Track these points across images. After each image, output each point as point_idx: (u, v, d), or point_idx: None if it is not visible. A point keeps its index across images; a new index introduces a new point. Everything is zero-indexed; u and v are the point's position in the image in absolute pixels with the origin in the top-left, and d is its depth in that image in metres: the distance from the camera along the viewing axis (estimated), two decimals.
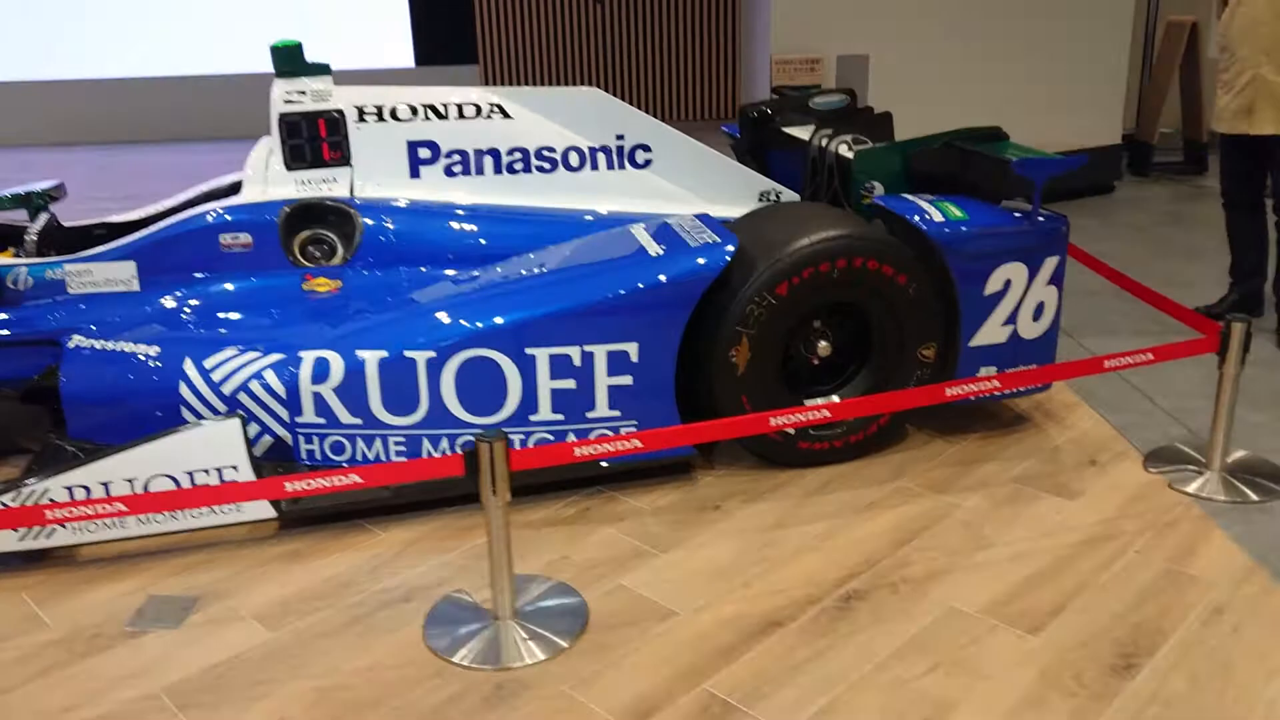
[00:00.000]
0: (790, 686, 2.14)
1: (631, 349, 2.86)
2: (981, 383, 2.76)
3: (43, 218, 3.45)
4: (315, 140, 3.36)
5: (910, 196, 3.20)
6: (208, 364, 2.90)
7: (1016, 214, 3.07)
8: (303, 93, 3.36)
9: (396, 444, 2.89)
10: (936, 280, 3.06)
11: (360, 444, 2.89)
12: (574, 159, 3.56)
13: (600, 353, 2.85)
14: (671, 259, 2.91)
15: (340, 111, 3.37)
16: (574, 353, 2.84)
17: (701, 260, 2.87)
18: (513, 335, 2.82)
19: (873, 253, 2.94)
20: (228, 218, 3.21)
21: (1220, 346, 2.84)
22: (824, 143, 3.80)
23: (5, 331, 3.13)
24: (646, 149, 3.63)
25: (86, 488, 2.64)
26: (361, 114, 3.39)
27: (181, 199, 3.66)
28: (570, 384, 2.87)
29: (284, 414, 2.86)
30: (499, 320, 2.84)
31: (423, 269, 3.30)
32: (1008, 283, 3.09)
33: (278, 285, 3.22)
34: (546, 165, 3.55)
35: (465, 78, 8.58)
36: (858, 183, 3.41)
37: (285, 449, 2.91)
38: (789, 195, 3.68)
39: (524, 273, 3.10)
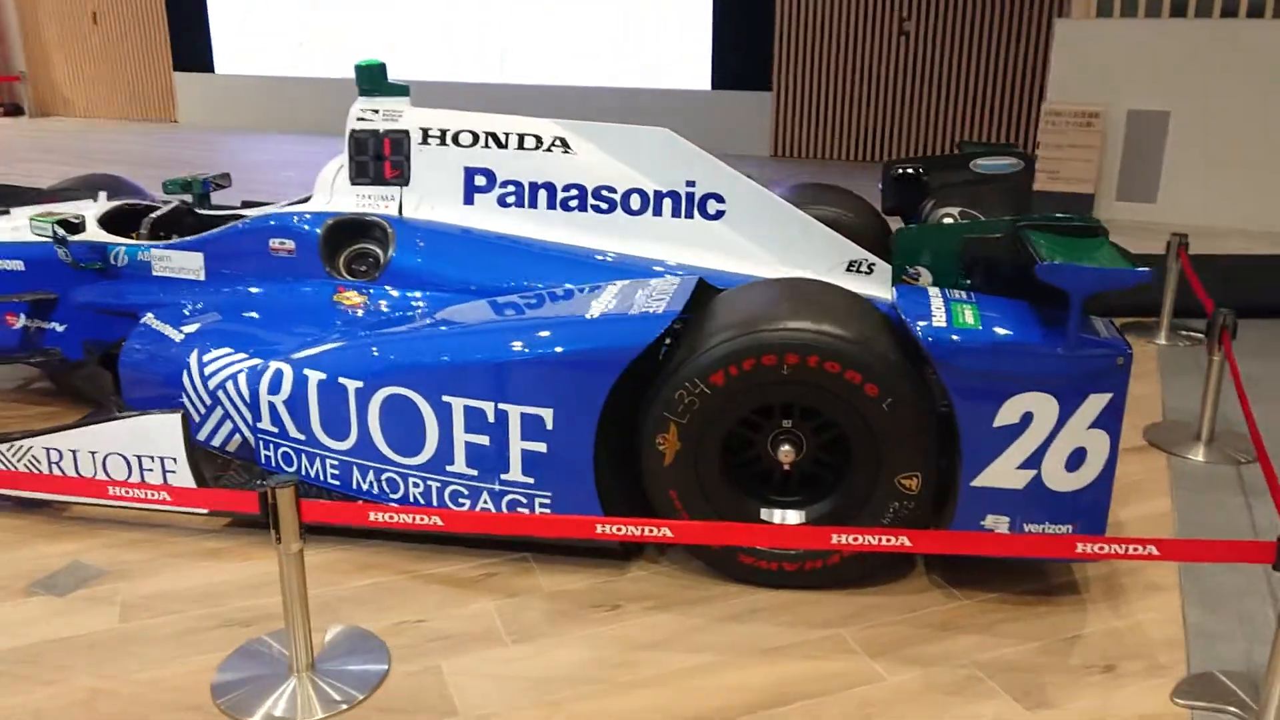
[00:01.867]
0: None
1: (546, 415, 2.63)
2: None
3: (170, 204, 3.88)
4: (380, 158, 3.45)
5: (935, 290, 2.63)
6: (206, 358, 3.09)
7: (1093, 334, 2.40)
8: (375, 111, 3.46)
9: (332, 467, 2.90)
10: (931, 398, 2.50)
11: (304, 459, 2.93)
12: (635, 201, 3.35)
13: (514, 413, 2.65)
14: (598, 326, 2.64)
15: (406, 132, 3.43)
16: (488, 408, 2.67)
17: (625, 333, 2.56)
18: (430, 378, 2.71)
19: (832, 353, 2.44)
20: (272, 223, 3.40)
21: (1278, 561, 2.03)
22: (926, 213, 3.26)
23: (101, 300, 3.57)
24: (720, 199, 3.32)
25: (60, 451, 2.93)
26: (425, 136, 3.43)
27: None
28: (484, 440, 2.70)
29: (248, 417, 2.98)
30: (422, 361, 2.74)
31: (446, 295, 3.27)
32: (1027, 416, 2.43)
33: (311, 294, 3.35)
34: (604, 205, 3.36)
35: (755, 103, 8.43)
36: (898, 268, 2.86)
37: (249, 450, 3.04)
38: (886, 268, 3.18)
39: (490, 315, 2.97)
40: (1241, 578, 2.70)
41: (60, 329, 3.69)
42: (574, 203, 3.38)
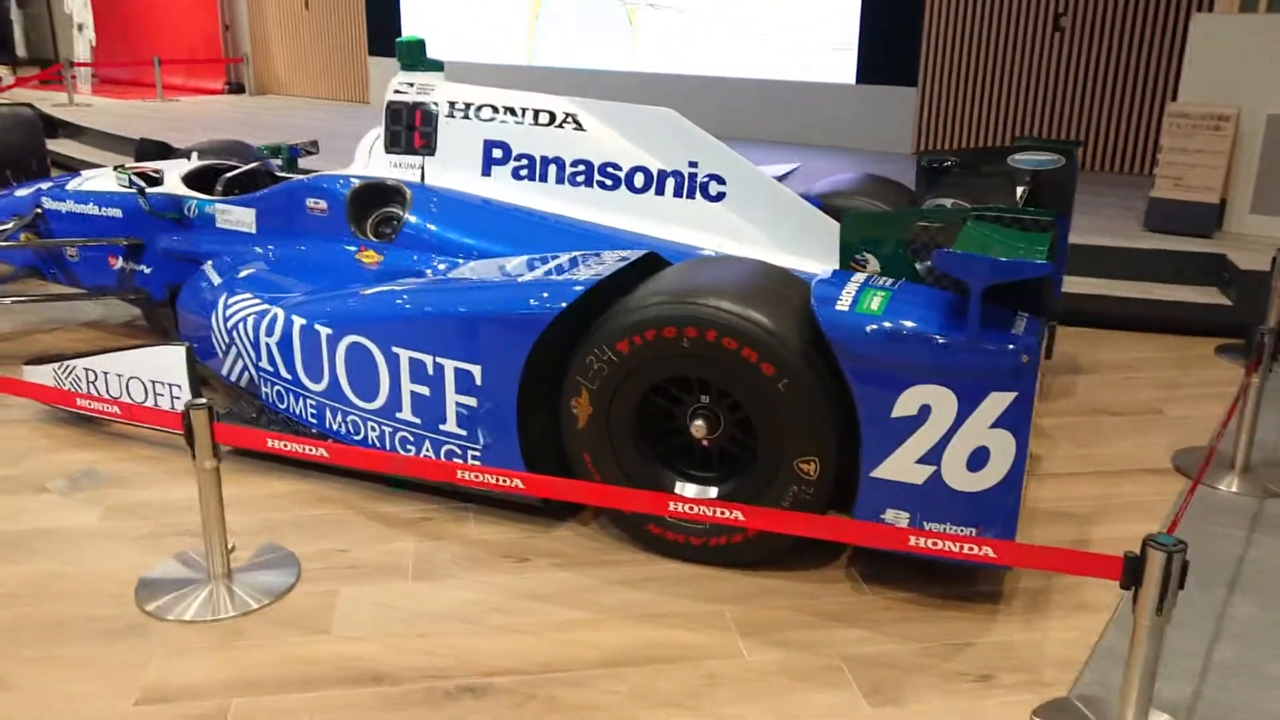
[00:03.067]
0: None
1: (476, 371, 2.76)
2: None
3: (249, 166, 4.27)
4: (411, 128, 3.68)
5: (859, 277, 2.57)
6: (229, 301, 3.42)
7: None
8: (410, 84, 3.69)
9: (310, 406, 3.15)
10: (834, 383, 2.44)
11: (291, 398, 3.20)
12: (639, 179, 3.43)
13: (449, 367, 2.80)
14: (523, 289, 2.74)
15: (435, 105, 3.64)
16: (428, 361, 2.83)
17: (542, 296, 2.65)
18: (383, 329, 2.89)
19: (728, 329, 2.44)
20: (309, 185, 3.69)
21: (1126, 579, 1.89)
22: (925, 205, 3.16)
23: (176, 247, 4.00)
24: (720, 181, 3.35)
25: (95, 372, 3.34)
26: (452, 109, 3.63)
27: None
28: (425, 391, 2.86)
29: (253, 355, 3.28)
30: (379, 312, 2.93)
31: (459, 259, 3.45)
32: (925, 409, 2.34)
33: (336, 251, 3.63)
34: (608, 181, 3.46)
35: (900, 99, 8.18)
36: (845, 252, 2.79)
37: (255, 386, 3.34)
38: None
39: (459, 275, 3.13)
40: (1188, 610, 2.48)
41: (147, 271, 4.16)
42: (581, 178, 3.49)
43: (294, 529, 2.84)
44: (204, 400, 2.42)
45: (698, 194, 3.38)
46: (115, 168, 4.06)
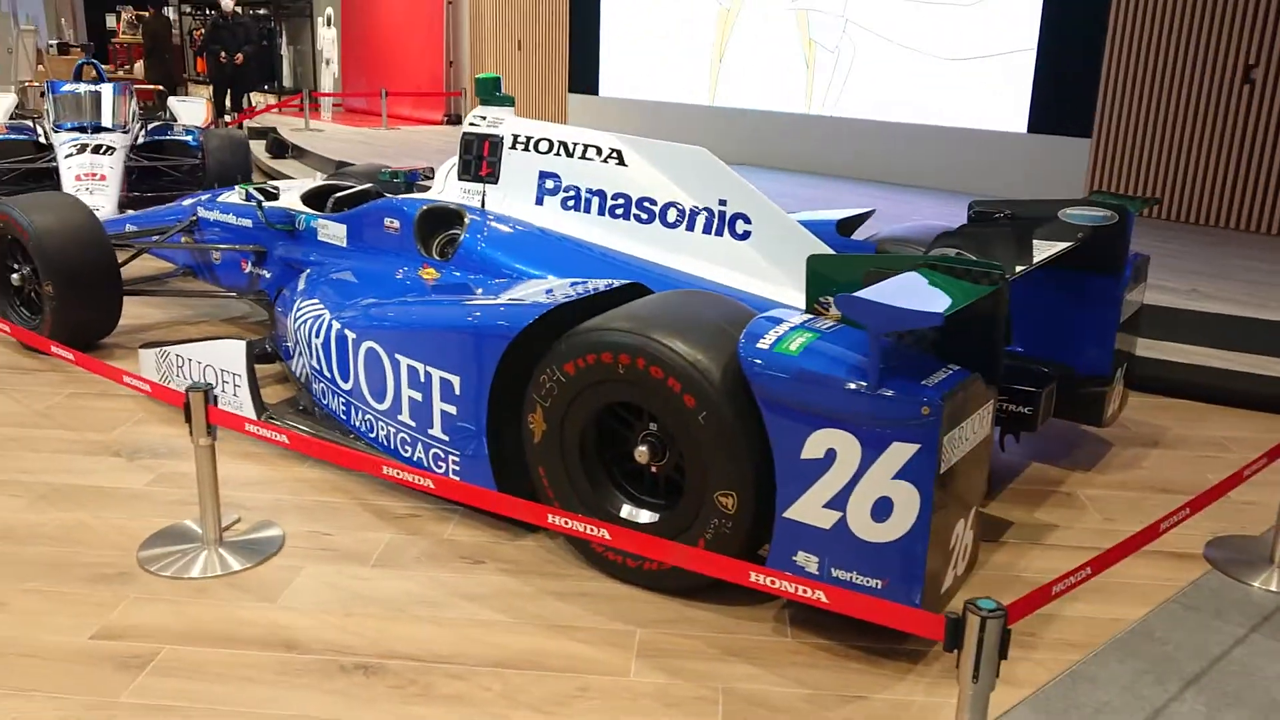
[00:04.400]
0: (199, 697, 2.29)
1: (455, 382, 2.96)
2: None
3: (363, 187, 4.71)
4: (480, 158, 3.97)
5: (800, 316, 2.57)
6: (301, 305, 3.81)
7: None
8: (483, 118, 3.99)
9: (341, 404, 3.46)
10: (757, 418, 2.46)
11: (330, 395, 3.53)
12: (671, 215, 3.55)
13: (436, 376, 3.01)
14: (499, 308, 2.91)
15: (501, 137, 3.92)
16: (420, 369, 3.06)
17: (506, 319, 2.82)
18: (391, 337, 3.15)
19: (654, 358, 2.51)
20: (388, 206, 4.05)
21: (948, 640, 1.82)
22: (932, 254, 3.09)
23: (288, 256, 4.47)
24: (747, 220, 3.43)
25: (183, 359, 3.81)
26: (515, 141, 3.89)
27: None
28: (419, 396, 3.09)
29: (307, 354, 3.65)
30: (390, 322, 3.19)
31: (502, 279, 3.70)
32: (831, 453, 2.32)
33: (402, 266, 3.95)
34: (644, 215, 3.61)
35: (1073, 150, 7.76)
36: (810, 294, 2.77)
37: (309, 382, 3.70)
38: None
39: (472, 293, 3.35)
40: (1126, 699, 2.31)
41: (267, 276, 4.67)
42: (620, 210, 3.65)
43: (297, 511, 3.14)
44: (204, 385, 2.76)
45: (725, 231, 3.46)
46: (239, 183, 4.60)
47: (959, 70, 8.41)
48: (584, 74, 11.98)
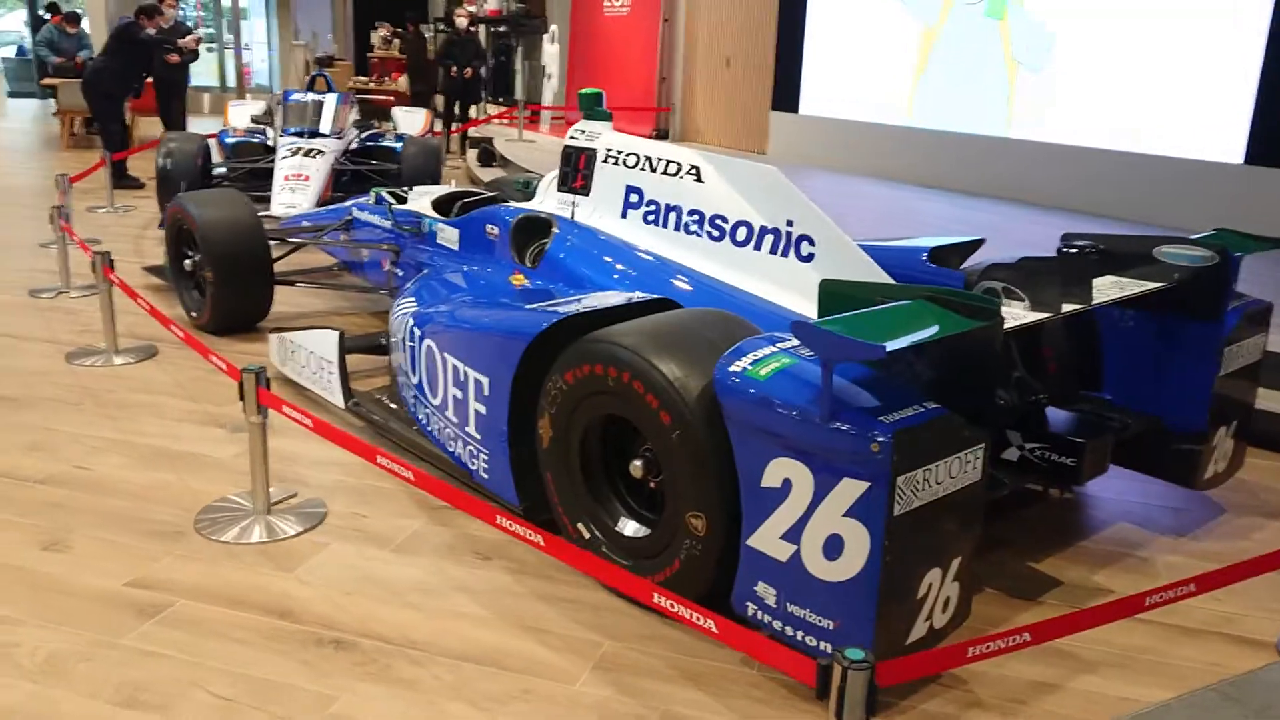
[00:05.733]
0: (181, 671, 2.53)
1: (485, 382, 3.08)
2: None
3: (490, 194, 4.95)
4: (576, 170, 4.09)
5: (789, 342, 2.48)
6: (399, 302, 4.07)
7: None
8: (583, 131, 4.10)
9: (411, 396, 3.67)
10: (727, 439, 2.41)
11: (406, 389, 3.75)
12: (741, 233, 3.54)
13: (470, 375, 3.14)
14: (524, 314, 3.00)
15: (595, 151, 4.02)
16: (461, 368, 3.20)
17: (527, 325, 2.90)
18: (444, 337, 3.31)
19: (638, 374, 2.51)
20: (492, 213, 4.24)
21: (819, 688, 1.73)
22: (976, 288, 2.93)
23: (415, 256, 4.78)
24: (811, 242, 3.37)
25: (294, 343, 4.16)
26: (608, 155, 3.98)
27: None
28: (460, 394, 3.23)
29: (395, 349, 3.89)
30: (446, 322, 3.35)
31: (574, 290, 3.81)
32: (787, 483, 2.25)
33: (497, 269, 4.14)
34: (715, 233, 3.60)
35: None
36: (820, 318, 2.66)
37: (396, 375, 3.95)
38: None
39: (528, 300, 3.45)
40: None
41: (400, 274, 5.00)
42: (694, 226, 3.66)
43: (347, 492, 3.36)
44: (255, 368, 3.02)
45: (791, 252, 3.40)
46: (373, 189, 4.95)
47: (1167, 92, 7.74)
48: (786, 92, 11.93)
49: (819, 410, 2.17)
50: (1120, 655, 2.61)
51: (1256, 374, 3.34)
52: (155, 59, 9.79)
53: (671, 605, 2.03)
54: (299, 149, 8.03)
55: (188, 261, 5.11)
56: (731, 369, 2.37)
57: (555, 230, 3.96)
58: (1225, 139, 7.37)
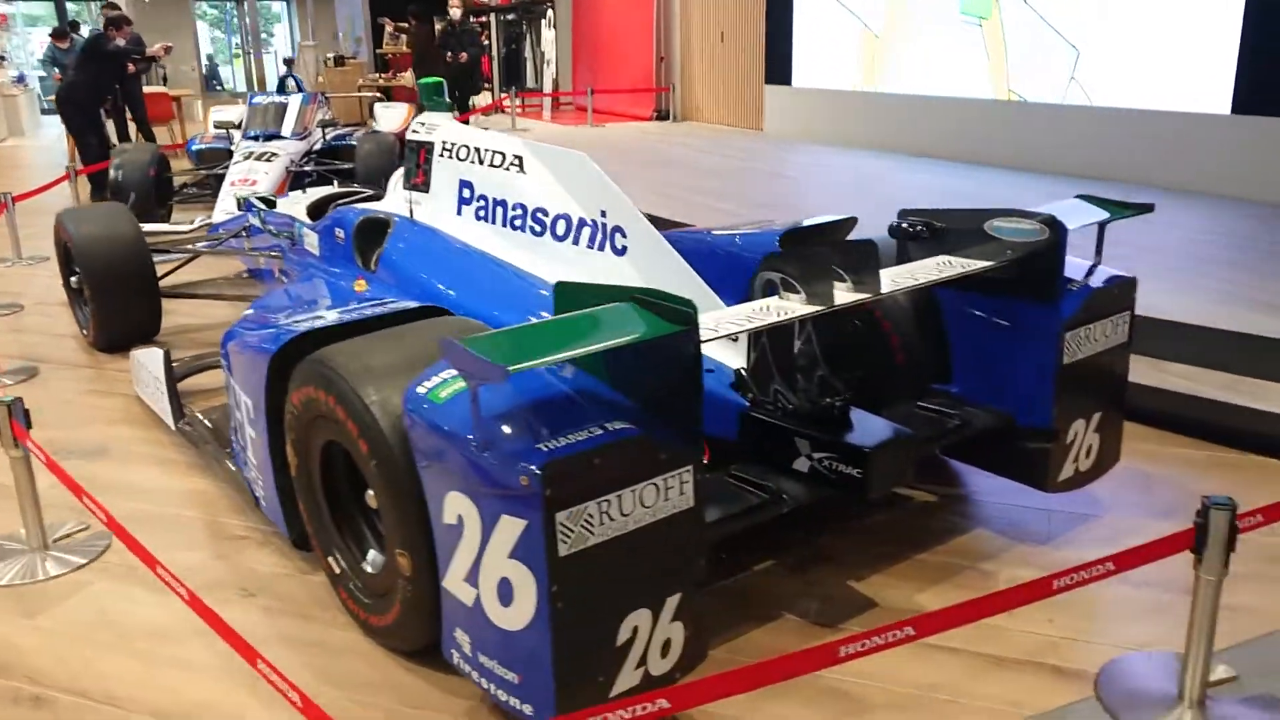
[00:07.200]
0: None
1: (249, 404, 2.85)
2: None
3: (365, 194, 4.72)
4: (416, 166, 3.84)
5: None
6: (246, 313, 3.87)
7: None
8: (423, 124, 3.85)
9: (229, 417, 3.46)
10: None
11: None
12: (561, 227, 3.27)
13: (242, 398, 2.92)
14: (269, 332, 2.76)
15: (432, 144, 3.76)
16: (237, 389, 2.97)
17: (268, 342, 2.66)
18: (230, 355, 3.08)
19: (341, 399, 2.26)
20: (338, 216, 4.01)
21: None
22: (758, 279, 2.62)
23: (289, 262, 4.58)
24: (624, 234, 3.09)
25: (138, 360, 3.99)
26: (443, 149, 3.72)
27: None
28: (239, 415, 3.01)
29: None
30: (235, 339, 3.11)
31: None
32: (460, 520, 1.98)
33: (346, 275, 3.90)
34: (538, 228, 3.34)
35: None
36: None
37: None
38: None
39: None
40: None
41: (285, 281, 4.81)
42: (519, 221, 3.40)
43: (146, 521, 3.13)
44: (8, 399, 2.84)
45: (607, 246, 3.12)
46: (242, 196, 4.76)
47: (1143, 39, 7.19)
48: (778, 65, 11.50)
49: (475, 438, 1.89)
50: (906, 695, 2.29)
51: (1124, 359, 2.95)
52: (125, 71, 9.78)
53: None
54: (252, 153, 7.91)
55: (74, 279, 5.00)
56: (418, 391, 2.10)
57: (390, 231, 3.73)
58: (1211, 89, 6.80)
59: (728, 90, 12.74)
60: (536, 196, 3.30)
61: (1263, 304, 4.48)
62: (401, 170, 3.99)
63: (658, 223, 5.64)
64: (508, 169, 3.42)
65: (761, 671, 1.78)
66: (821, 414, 2.54)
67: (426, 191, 3.76)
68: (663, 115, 13.85)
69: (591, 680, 1.97)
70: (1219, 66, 6.73)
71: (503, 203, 3.43)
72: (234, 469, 3.23)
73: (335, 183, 7.92)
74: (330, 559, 2.61)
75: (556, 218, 3.24)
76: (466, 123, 12.67)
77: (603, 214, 3.12)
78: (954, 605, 1.94)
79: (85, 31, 14.74)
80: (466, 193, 3.59)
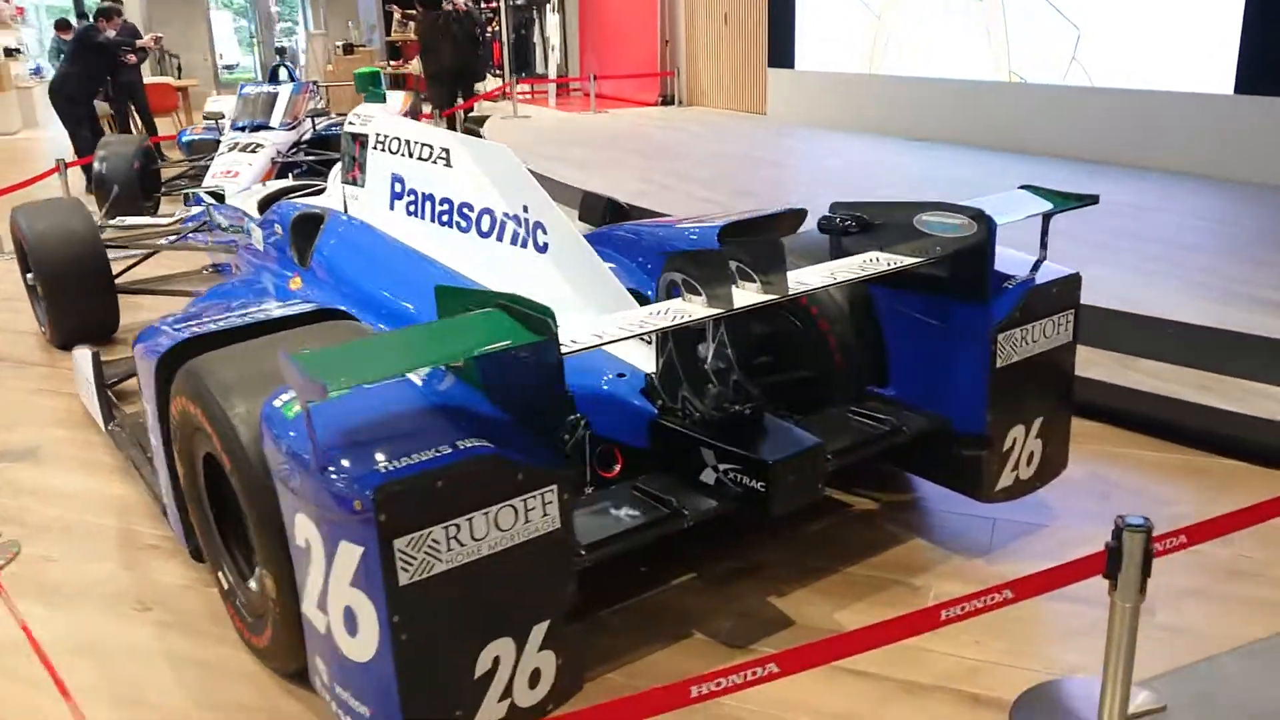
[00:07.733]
0: None
1: (149, 410, 2.74)
2: None
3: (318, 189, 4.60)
4: (352, 159, 3.72)
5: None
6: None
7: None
8: (359, 115, 3.72)
9: None
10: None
11: None
12: (485, 223, 3.13)
13: (145, 403, 2.81)
14: (164, 335, 2.63)
15: (366, 136, 3.63)
16: (142, 393, 2.87)
17: (157, 346, 2.55)
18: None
19: (205, 408, 2.14)
20: (278, 211, 3.89)
21: None
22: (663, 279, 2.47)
23: (242, 256, 4.48)
24: (544, 230, 2.95)
25: (75, 364, 3.90)
26: (376, 141, 3.59)
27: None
28: (143, 421, 2.91)
29: None
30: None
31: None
32: (308, 543, 1.86)
33: (281, 274, 3.80)
34: (464, 223, 3.20)
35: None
36: None
37: None
38: None
39: None
40: None
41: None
42: (446, 216, 3.27)
43: (57, 531, 3.09)
44: None
45: (529, 243, 2.99)
46: (191, 190, 4.66)
47: (1145, 19, 6.92)
48: (781, 48, 11.27)
49: (310, 459, 1.76)
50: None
51: (1069, 361, 2.77)
52: (116, 62, 9.72)
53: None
54: (237, 144, 7.82)
55: (29, 275, 4.92)
56: (274, 405, 1.98)
57: (322, 228, 3.61)
58: (1214, 69, 6.54)
59: (732, 74, 12.52)
60: (463, 190, 3.16)
61: (1245, 296, 4.27)
62: (339, 164, 3.87)
63: (636, 213, 5.58)
64: (435, 162, 3.28)
65: (617, 710, 1.65)
66: (731, 421, 2.39)
67: (362, 186, 3.64)
68: (668, 101, 13.65)
69: (447, 714, 1.85)
70: (1222, 46, 6.46)
71: (430, 197, 3.30)
72: (150, 475, 3.13)
73: (327, 174, 7.86)
74: (220, 573, 2.50)
75: (481, 212, 3.11)
76: (470, 110, 12.58)
77: (524, 209, 2.98)
78: (818, 641, 1.76)
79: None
80: (398, 186, 3.46)
